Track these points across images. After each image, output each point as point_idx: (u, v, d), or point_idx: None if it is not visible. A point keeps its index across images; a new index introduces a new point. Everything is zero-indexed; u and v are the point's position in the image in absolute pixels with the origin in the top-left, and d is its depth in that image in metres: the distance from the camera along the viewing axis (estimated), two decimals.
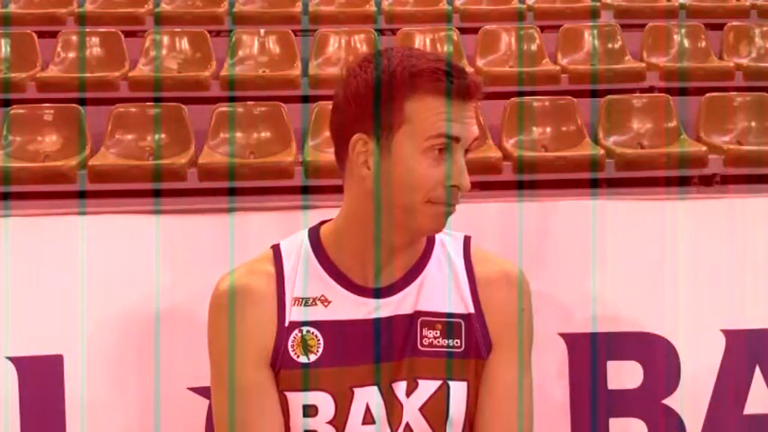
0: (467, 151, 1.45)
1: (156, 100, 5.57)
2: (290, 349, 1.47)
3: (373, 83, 1.42)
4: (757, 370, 1.95)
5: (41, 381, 1.85)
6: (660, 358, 1.94)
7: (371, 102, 1.41)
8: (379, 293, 1.48)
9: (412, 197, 1.41)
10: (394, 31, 6.56)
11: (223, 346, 1.47)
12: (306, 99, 5.75)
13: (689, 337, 1.94)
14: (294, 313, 1.48)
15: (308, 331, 1.47)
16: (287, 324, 1.47)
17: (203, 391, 1.79)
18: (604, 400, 1.93)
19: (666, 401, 1.93)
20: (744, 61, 6.35)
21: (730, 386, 1.94)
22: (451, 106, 1.41)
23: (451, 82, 1.40)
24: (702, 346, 1.94)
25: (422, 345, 1.48)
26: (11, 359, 1.84)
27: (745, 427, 1.94)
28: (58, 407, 1.85)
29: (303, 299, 1.49)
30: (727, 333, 1.95)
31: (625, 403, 1.94)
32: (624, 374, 1.94)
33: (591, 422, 1.94)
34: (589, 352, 1.93)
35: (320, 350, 1.47)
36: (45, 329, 1.86)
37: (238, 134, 5.42)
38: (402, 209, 1.43)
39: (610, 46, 6.48)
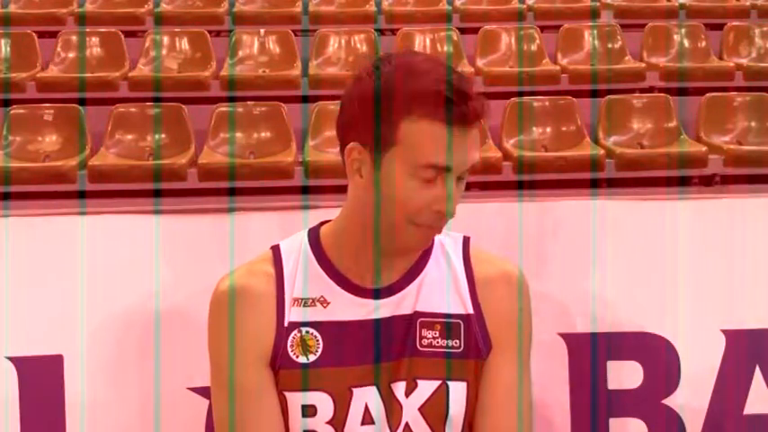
0: (468, 172, 1.43)
1: (156, 100, 5.57)
2: (289, 349, 1.47)
3: (372, 95, 1.40)
4: (757, 370, 1.95)
5: (41, 381, 1.85)
6: (660, 358, 1.93)
7: (369, 114, 1.40)
8: (378, 294, 1.49)
9: (394, 215, 1.41)
10: (394, 31, 6.56)
11: (223, 346, 1.47)
12: (306, 99, 5.75)
13: (689, 337, 1.94)
14: (293, 314, 1.48)
15: (307, 332, 1.48)
16: (286, 324, 1.47)
17: (203, 391, 1.79)
18: (604, 400, 1.93)
19: (666, 401, 1.93)
20: (744, 61, 6.35)
21: (730, 386, 1.94)
22: (448, 134, 1.38)
23: (450, 109, 1.37)
24: (702, 346, 1.94)
25: (421, 345, 1.48)
26: (11, 359, 1.84)
27: (745, 427, 1.94)
28: (58, 407, 1.85)
29: (302, 299, 1.49)
30: (727, 333, 1.95)
31: (625, 403, 1.93)
32: (624, 374, 1.94)
33: (591, 422, 1.93)
34: (589, 352, 1.93)
35: (319, 350, 1.47)
36: (45, 329, 1.86)
37: (238, 134, 5.42)
38: (386, 224, 1.43)
39: (610, 46, 6.48)
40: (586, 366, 1.93)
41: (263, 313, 1.48)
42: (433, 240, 1.54)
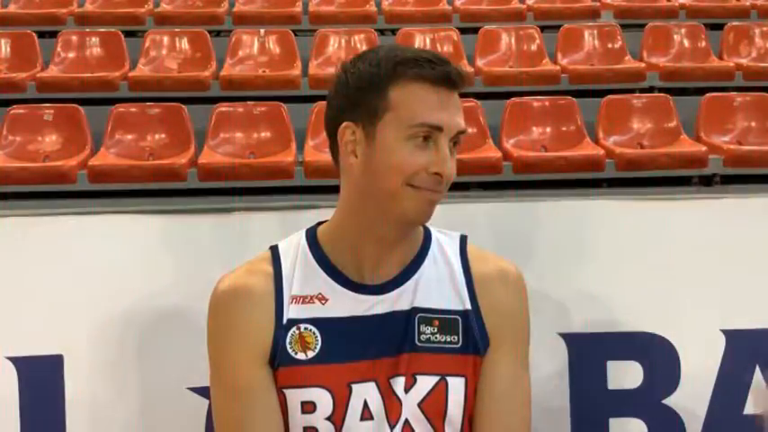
0: (455, 143, 1.46)
1: (156, 100, 5.57)
2: (288, 346, 1.47)
3: (360, 74, 1.45)
4: (757, 370, 1.95)
5: (41, 381, 1.85)
6: (660, 358, 1.93)
7: (358, 91, 1.45)
8: (376, 290, 1.49)
9: (392, 180, 1.42)
10: (394, 31, 6.57)
11: (222, 345, 1.48)
12: (306, 99, 5.76)
13: (689, 337, 1.94)
14: (292, 311, 1.48)
15: (306, 328, 1.48)
16: (285, 322, 1.48)
17: (203, 391, 1.79)
18: (604, 400, 1.93)
19: (666, 401, 1.93)
20: (744, 61, 6.36)
21: (730, 386, 1.94)
22: (435, 94, 1.43)
23: (436, 70, 1.43)
24: (702, 346, 1.94)
25: (419, 340, 1.48)
26: (11, 359, 1.84)
27: (745, 427, 1.94)
28: (58, 407, 1.85)
29: (301, 297, 1.49)
30: (727, 333, 1.95)
31: (625, 403, 1.93)
32: (624, 374, 1.93)
33: (591, 422, 1.93)
34: (589, 352, 1.93)
35: (318, 347, 1.47)
36: (45, 329, 1.86)
37: (238, 134, 5.42)
38: (385, 194, 1.44)
39: (610, 46, 6.48)
40: (586, 366, 1.93)
41: (262, 312, 1.48)
42: (430, 238, 1.55)
